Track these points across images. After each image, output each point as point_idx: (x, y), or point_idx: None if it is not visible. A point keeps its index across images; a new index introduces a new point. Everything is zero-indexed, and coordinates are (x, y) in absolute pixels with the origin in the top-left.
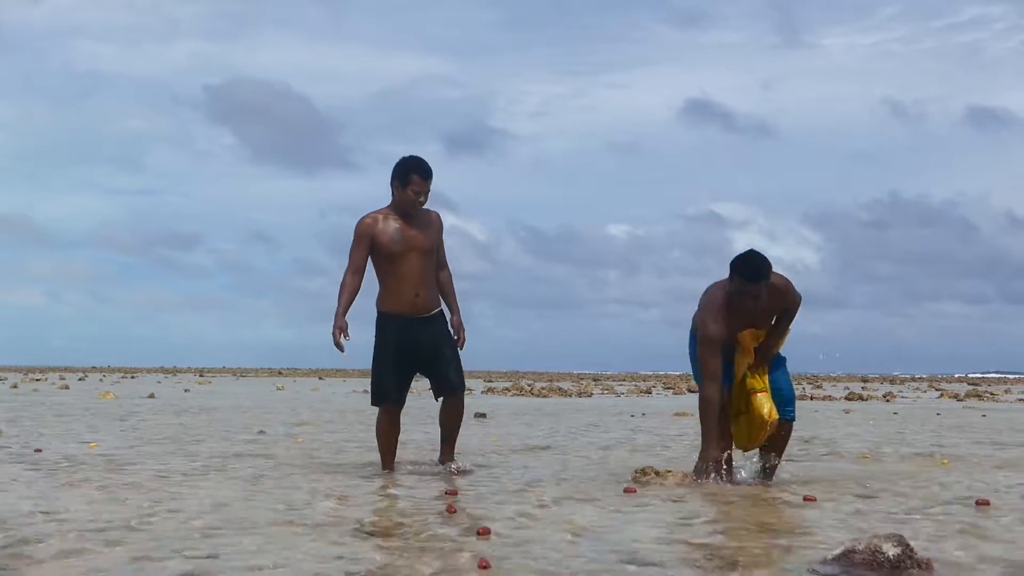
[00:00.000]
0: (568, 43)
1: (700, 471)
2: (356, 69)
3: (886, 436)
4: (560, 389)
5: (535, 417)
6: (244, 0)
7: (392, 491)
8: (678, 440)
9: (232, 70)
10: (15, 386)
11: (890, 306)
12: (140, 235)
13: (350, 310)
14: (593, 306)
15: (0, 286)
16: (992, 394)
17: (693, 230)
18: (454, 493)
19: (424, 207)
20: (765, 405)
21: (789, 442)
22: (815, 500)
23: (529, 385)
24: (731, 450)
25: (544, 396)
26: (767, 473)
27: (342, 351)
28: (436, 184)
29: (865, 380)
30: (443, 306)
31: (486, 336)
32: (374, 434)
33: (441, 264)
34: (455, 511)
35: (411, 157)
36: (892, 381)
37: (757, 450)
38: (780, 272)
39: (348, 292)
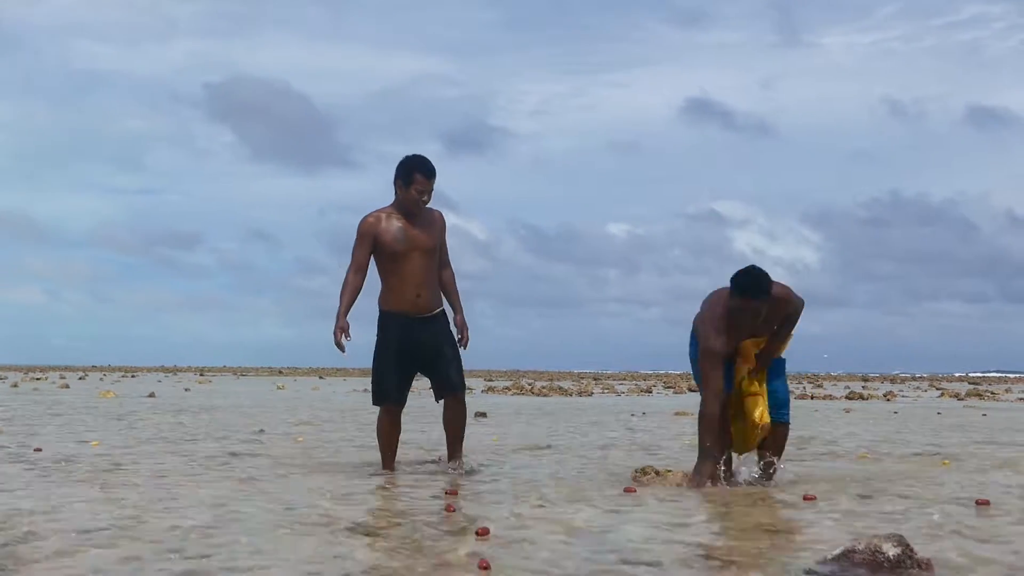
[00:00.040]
0: (568, 42)
1: (694, 484)
2: (356, 68)
3: (886, 436)
4: (560, 388)
5: (535, 416)
6: None
7: (392, 491)
8: (678, 439)
9: (232, 69)
10: (15, 385)
11: (890, 305)
12: (140, 234)
13: (351, 309)
14: (593, 305)
15: (0, 285)
16: (993, 393)
17: (693, 229)
18: (454, 493)
19: (427, 206)
20: (756, 409)
21: (788, 442)
22: (815, 499)
23: (529, 384)
24: (730, 451)
25: (544, 395)
26: (766, 475)
27: (343, 351)
28: (436, 183)
29: (865, 379)
30: (445, 306)
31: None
32: (374, 433)
33: (444, 263)
34: (454, 510)
35: (414, 156)
36: (892, 380)
37: (755, 453)
38: (781, 281)
39: (350, 292)
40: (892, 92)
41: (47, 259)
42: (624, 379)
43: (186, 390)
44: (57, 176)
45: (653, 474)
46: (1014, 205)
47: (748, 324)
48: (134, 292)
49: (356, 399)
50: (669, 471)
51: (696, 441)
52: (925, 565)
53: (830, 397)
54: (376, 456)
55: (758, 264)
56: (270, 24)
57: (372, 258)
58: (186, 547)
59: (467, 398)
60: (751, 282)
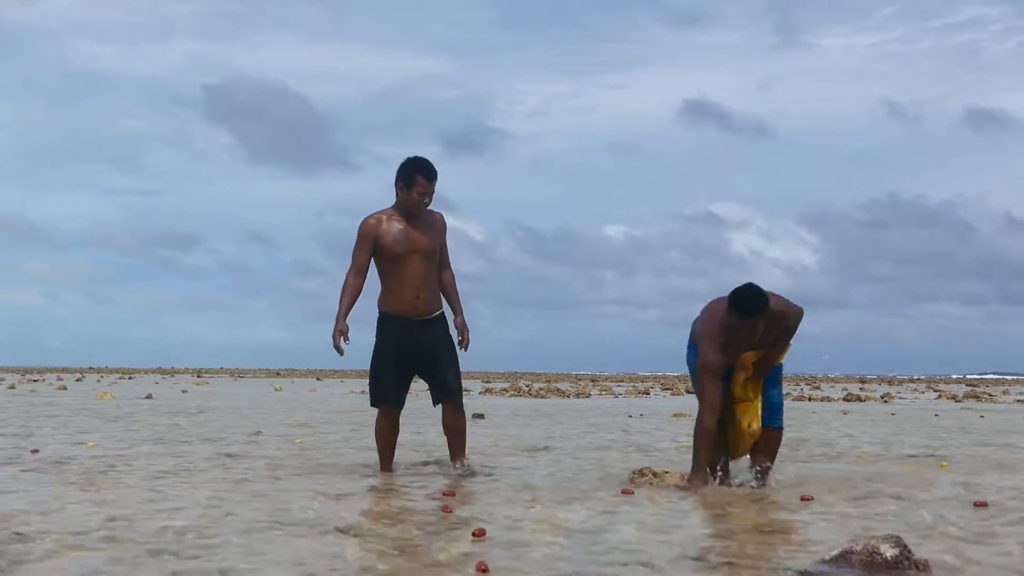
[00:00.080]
0: (567, 43)
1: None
2: (354, 69)
3: (884, 437)
4: (558, 390)
5: (533, 418)
6: None
7: (389, 492)
8: (676, 441)
9: (230, 70)
10: (12, 387)
11: (888, 307)
12: (138, 235)
13: (351, 312)
14: (591, 307)
15: None
16: (990, 395)
17: (691, 230)
18: (451, 494)
19: (428, 208)
20: (745, 417)
21: (786, 444)
22: (812, 500)
23: (527, 386)
24: (726, 456)
25: (542, 397)
26: (759, 479)
27: (341, 354)
28: (436, 185)
29: (863, 381)
30: (445, 308)
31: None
32: (371, 435)
33: (444, 265)
34: (451, 512)
35: (415, 158)
36: (890, 382)
37: (748, 458)
38: (777, 292)
39: (350, 294)
40: (890, 94)
41: (45, 260)
42: (622, 381)
43: (183, 392)
44: (55, 177)
45: (651, 475)
46: (1012, 207)
47: (746, 341)
48: (132, 293)
49: (353, 401)
50: (667, 473)
51: (690, 444)
52: (923, 566)
53: (828, 399)
54: (374, 457)
55: (757, 263)
56: (268, 25)
57: (372, 260)
58: (180, 548)
59: (465, 400)
60: (748, 301)
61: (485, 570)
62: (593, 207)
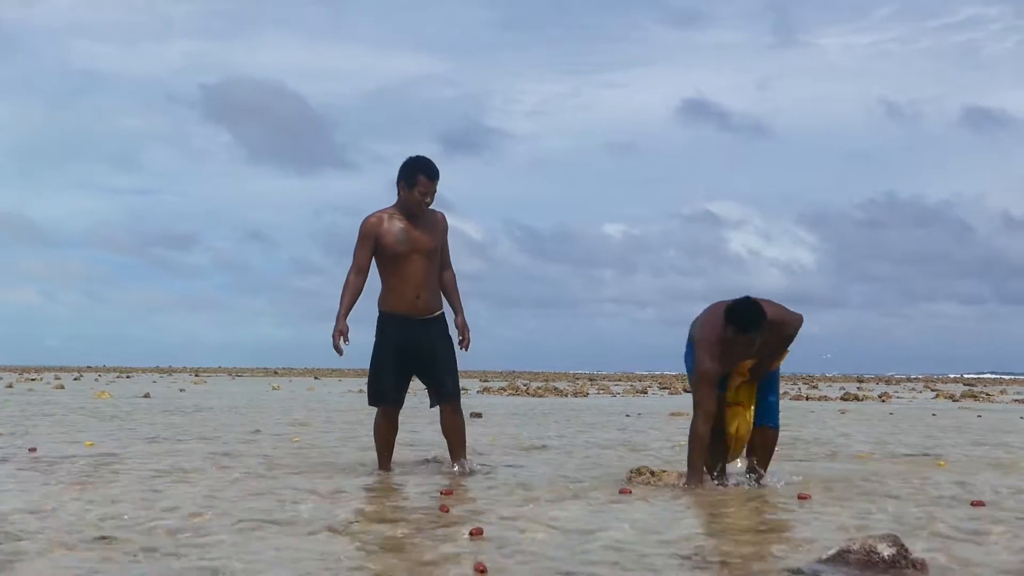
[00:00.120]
0: (565, 43)
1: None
2: (352, 68)
3: (881, 437)
4: (556, 389)
5: (530, 417)
6: None
7: (386, 491)
8: (674, 440)
9: (228, 69)
10: (10, 386)
11: (886, 306)
12: (136, 234)
13: (350, 311)
14: (589, 306)
15: None
16: (988, 395)
17: (689, 229)
18: (449, 493)
19: (430, 208)
20: (733, 422)
21: (783, 443)
22: (809, 498)
23: (525, 385)
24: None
25: (540, 396)
26: (752, 480)
27: (341, 354)
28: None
29: (861, 380)
30: (445, 308)
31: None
32: (369, 434)
33: (445, 265)
34: (448, 511)
35: (417, 158)
36: (888, 381)
37: (745, 457)
38: (774, 301)
39: (350, 293)
40: (888, 93)
41: (42, 259)
42: (620, 380)
43: (181, 391)
44: (53, 176)
45: (648, 474)
46: (1010, 206)
47: (743, 353)
48: (129, 292)
49: (351, 400)
50: (664, 472)
51: (686, 443)
52: (920, 566)
53: (825, 398)
54: (371, 456)
55: (755, 262)
56: (266, 24)
57: (373, 259)
58: (175, 547)
59: (463, 398)
60: (745, 317)
61: (483, 570)
62: (591, 206)
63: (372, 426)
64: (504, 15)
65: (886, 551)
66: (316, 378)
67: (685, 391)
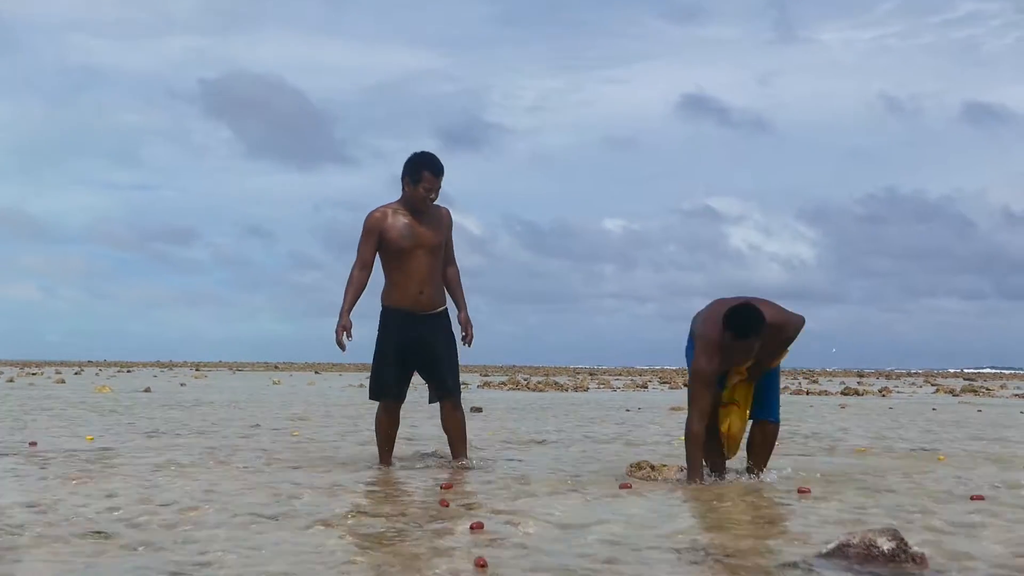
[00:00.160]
0: (565, 38)
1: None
2: (352, 63)
3: (881, 431)
4: (556, 384)
5: (531, 411)
6: None
7: (387, 485)
8: (673, 434)
9: (227, 64)
10: (11, 380)
11: (886, 301)
12: (136, 230)
13: (354, 306)
14: (589, 300)
15: None
16: (988, 389)
17: (689, 225)
18: (448, 487)
19: (434, 203)
20: (725, 420)
21: (784, 437)
22: (808, 492)
23: (525, 379)
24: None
25: (540, 390)
26: (752, 474)
27: (343, 350)
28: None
29: (861, 375)
30: (448, 304)
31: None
32: (369, 428)
33: (449, 260)
34: (448, 505)
35: (423, 153)
36: (888, 376)
37: (745, 452)
38: (775, 302)
39: (354, 289)
40: (889, 89)
41: (42, 255)
42: (620, 374)
43: (182, 385)
44: (53, 172)
45: (648, 469)
46: (1010, 202)
47: (741, 358)
48: (129, 288)
49: (352, 394)
50: (664, 466)
51: (683, 440)
52: (919, 559)
53: (825, 393)
54: (372, 451)
55: (755, 257)
56: (265, 19)
57: (377, 254)
58: (173, 540)
59: (463, 393)
60: (743, 323)
61: (484, 565)
62: (591, 201)
63: (372, 421)
64: (504, 10)
65: (886, 545)
66: (316, 373)
67: (685, 386)
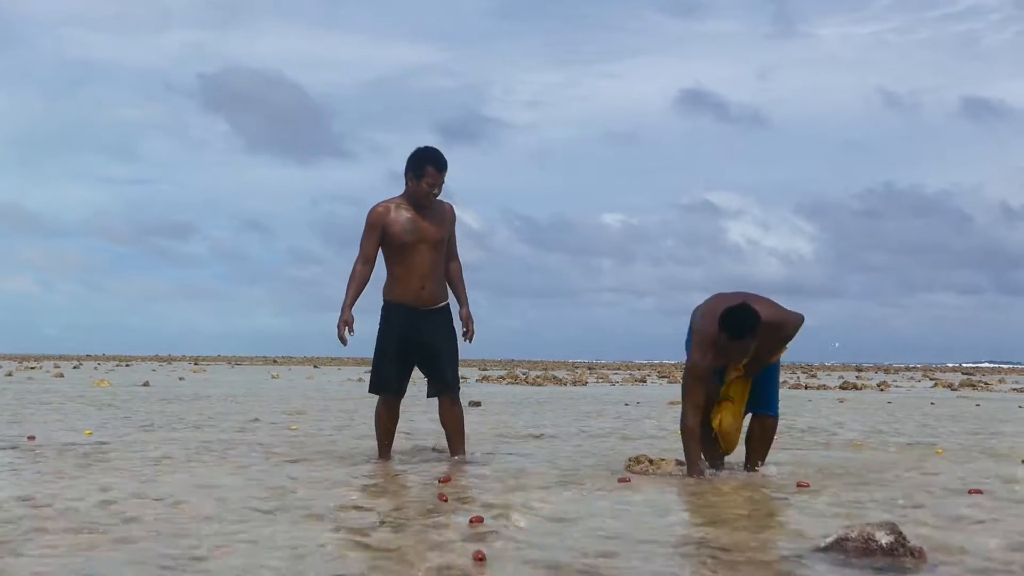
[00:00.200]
0: (563, 32)
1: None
2: (350, 58)
3: (880, 425)
4: (555, 378)
5: (529, 406)
6: None
7: (385, 479)
8: (672, 429)
9: (226, 58)
10: (10, 374)
11: (884, 296)
12: (134, 224)
13: (356, 301)
14: (588, 295)
15: None
16: (986, 383)
17: (687, 219)
18: (447, 481)
19: (438, 199)
20: (717, 416)
21: (783, 431)
22: (807, 486)
23: (524, 374)
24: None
25: (539, 385)
26: (750, 469)
27: (345, 344)
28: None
29: (860, 370)
30: (449, 299)
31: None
32: (368, 423)
33: (452, 256)
34: (446, 500)
35: (426, 148)
36: (886, 371)
37: (744, 446)
38: (773, 300)
39: (357, 283)
40: (887, 83)
41: (40, 249)
42: (619, 369)
43: (180, 379)
44: (51, 166)
45: (647, 463)
46: (1008, 197)
47: (736, 357)
48: (128, 282)
49: (350, 388)
50: (663, 460)
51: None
52: (918, 553)
53: (824, 387)
54: (371, 444)
55: (753, 252)
56: (264, 13)
57: (380, 249)
58: (169, 533)
59: (461, 387)
60: (738, 325)
61: (482, 558)
62: (590, 196)
63: (370, 415)
64: (502, 4)
65: (884, 539)
66: (315, 367)
67: None
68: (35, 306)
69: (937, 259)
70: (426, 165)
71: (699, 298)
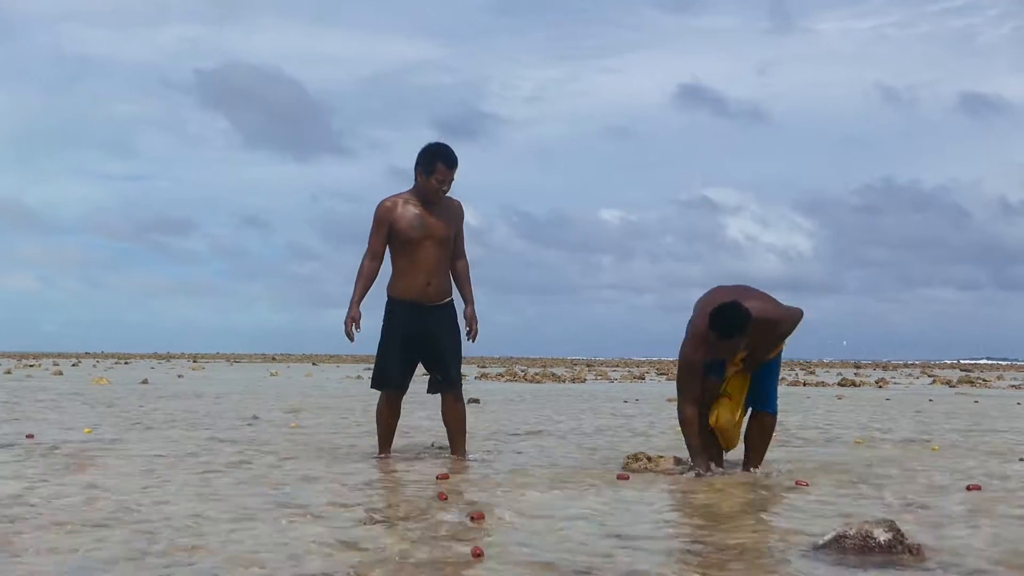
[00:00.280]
0: (561, 27)
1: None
2: (349, 54)
3: (878, 422)
4: (553, 375)
5: (528, 403)
6: None
7: (385, 476)
8: (670, 426)
9: (223, 54)
10: (9, 372)
11: (883, 292)
12: (132, 221)
13: (364, 297)
14: (587, 292)
15: None
16: (984, 380)
17: (686, 215)
18: (446, 477)
19: (447, 195)
20: (714, 412)
21: (781, 429)
22: (807, 485)
23: (522, 371)
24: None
25: (537, 382)
26: (748, 466)
27: (352, 340)
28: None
29: (858, 366)
30: (454, 295)
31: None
32: (366, 419)
33: (459, 254)
34: (446, 497)
35: (437, 145)
36: (885, 367)
37: (743, 444)
38: (772, 296)
39: (365, 279)
40: (885, 78)
41: (39, 245)
42: (617, 366)
43: (179, 377)
44: (49, 162)
45: (645, 460)
46: (1007, 192)
47: (727, 354)
48: (126, 278)
49: (349, 386)
50: (661, 457)
51: (681, 435)
52: (915, 550)
53: (822, 384)
54: (370, 442)
55: (752, 248)
56: (262, 9)
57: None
58: (165, 531)
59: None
60: (726, 324)
61: (480, 554)
62: (588, 192)
63: (370, 411)
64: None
65: (882, 536)
66: (314, 364)
67: None
68: (34, 303)
69: (935, 255)
70: (437, 161)
71: (698, 295)
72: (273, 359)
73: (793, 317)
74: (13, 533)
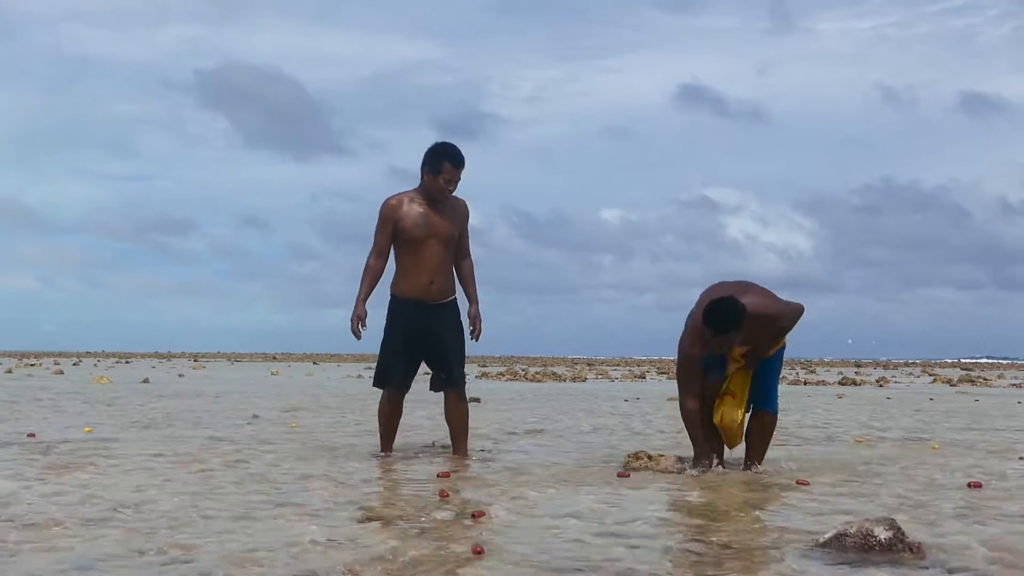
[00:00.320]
0: (562, 27)
1: (694, 471)
2: (349, 54)
3: (878, 421)
4: (554, 374)
5: (529, 402)
6: None
7: (386, 474)
8: (671, 424)
9: (223, 54)
10: (9, 371)
11: (883, 291)
12: (132, 221)
13: (369, 295)
14: (587, 291)
15: None
16: (985, 379)
17: (686, 215)
18: (446, 475)
19: (452, 194)
20: (718, 411)
21: (782, 427)
22: (807, 484)
23: (523, 370)
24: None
25: (538, 381)
26: (749, 465)
27: (359, 339)
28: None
29: (858, 365)
30: (458, 294)
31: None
32: (367, 418)
33: (464, 253)
34: (447, 495)
35: (444, 144)
36: (885, 366)
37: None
38: (770, 291)
39: (370, 277)
40: (885, 78)
41: (39, 245)
42: (618, 365)
43: (180, 376)
44: (49, 162)
45: (645, 459)
46: (1007, 192)
47: (723, 350)
48: (127, 278)
49: (349, 385)
50: (661, 456)
51: (681, 427)
52: (916, 549)
53: (823, 383)
54: (370, 440)
55: (752, 247)
56: (262, 9)
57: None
58: (176, 531)
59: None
60: (720, 319)
61: (480, 552)
62: (588, 192)
63: (370, 410)
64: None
65: (883, 534)
66: (315, 363)
67: None
68: (34, 303)
69: (936, 254)
70: (444, 161)
71: (698, 294)
72: (274, 358)
73: (793, 312)
74: (11, 532)
